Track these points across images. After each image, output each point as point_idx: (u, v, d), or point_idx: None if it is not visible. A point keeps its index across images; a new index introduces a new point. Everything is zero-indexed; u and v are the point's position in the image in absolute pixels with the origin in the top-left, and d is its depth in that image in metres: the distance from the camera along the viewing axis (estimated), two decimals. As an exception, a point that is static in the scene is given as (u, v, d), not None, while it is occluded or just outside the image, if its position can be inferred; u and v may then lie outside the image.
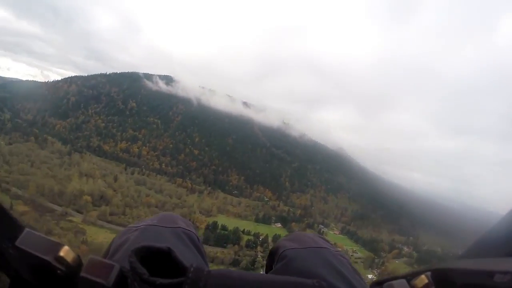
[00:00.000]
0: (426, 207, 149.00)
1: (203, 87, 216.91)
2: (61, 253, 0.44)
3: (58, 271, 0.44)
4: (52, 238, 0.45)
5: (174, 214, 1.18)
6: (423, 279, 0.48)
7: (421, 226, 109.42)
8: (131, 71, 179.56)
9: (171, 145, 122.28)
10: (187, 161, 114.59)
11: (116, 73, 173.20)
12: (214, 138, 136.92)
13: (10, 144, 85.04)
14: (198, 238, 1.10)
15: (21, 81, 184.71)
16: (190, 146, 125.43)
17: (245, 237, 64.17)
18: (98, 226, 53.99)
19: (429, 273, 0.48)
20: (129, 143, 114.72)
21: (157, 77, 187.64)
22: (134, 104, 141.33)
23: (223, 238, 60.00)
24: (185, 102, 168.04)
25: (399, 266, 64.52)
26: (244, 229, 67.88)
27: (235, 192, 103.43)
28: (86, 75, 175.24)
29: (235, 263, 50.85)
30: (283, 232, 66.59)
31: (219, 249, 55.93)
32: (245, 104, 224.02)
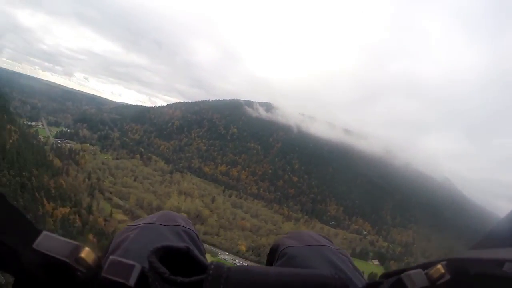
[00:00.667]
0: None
1: (303, 114, 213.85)
2: (82, 255, 0.43)
3: (78, 273, 0.43)
4: (72, 241, 0.44)
5: (173, 212, 1.16)
6: (439, 268, 0.47)
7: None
8: (233, 98, 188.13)
9: (270, 171, 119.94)
10: (285, 188, 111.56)
11: (218, 100, 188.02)
12: (313, 166, 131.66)
13: (117, 159, 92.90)
14: (197, 236, 1.08)
15: (131, 105, 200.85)
16: (289, 173, 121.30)
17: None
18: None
19: (444, 263, 0.47)
20: (229, 166, 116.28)
21: (258, 104, 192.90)
22: (235, 130, 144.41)
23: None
24: (285, 129, 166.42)
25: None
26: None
27: (333, 222, 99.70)
28: (190, 101, 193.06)
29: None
30: (379, 270, 57.44)
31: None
32: (346, 131, 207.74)
